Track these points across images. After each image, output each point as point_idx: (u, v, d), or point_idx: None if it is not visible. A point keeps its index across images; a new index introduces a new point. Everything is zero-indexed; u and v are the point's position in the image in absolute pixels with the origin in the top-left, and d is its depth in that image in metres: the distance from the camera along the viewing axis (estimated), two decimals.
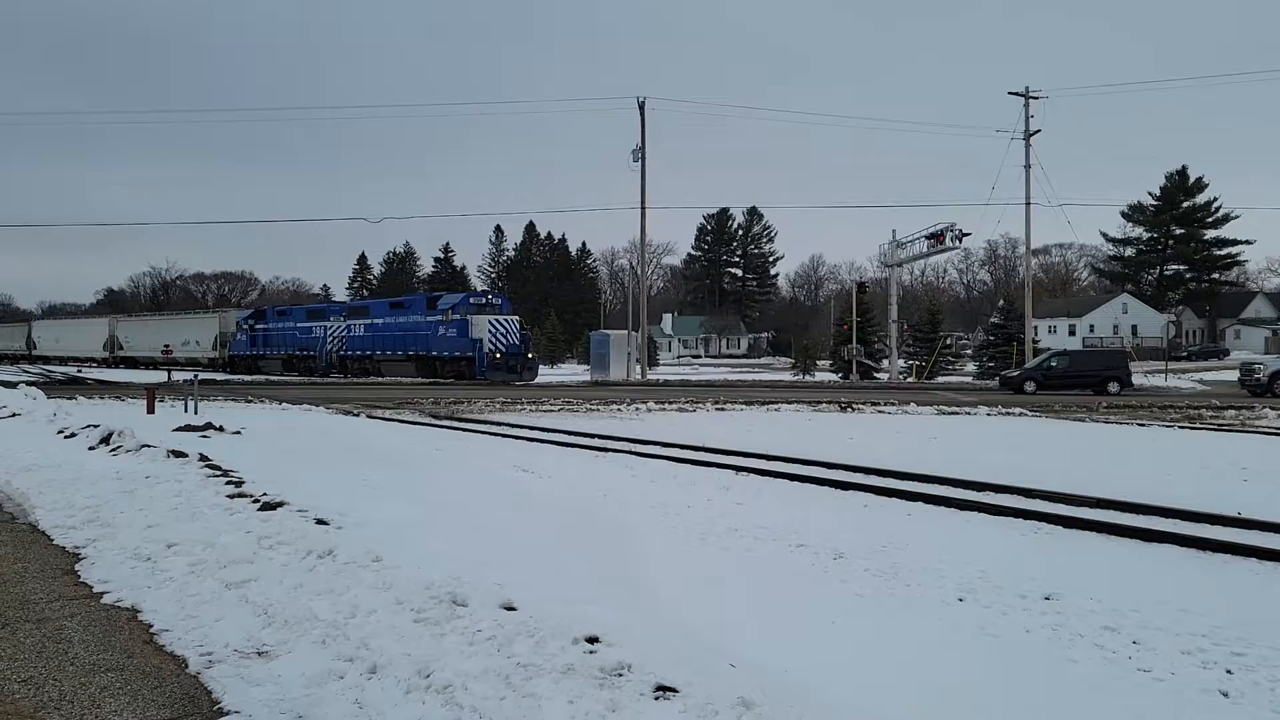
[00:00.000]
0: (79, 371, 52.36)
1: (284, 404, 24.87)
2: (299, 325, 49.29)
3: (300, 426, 18.24)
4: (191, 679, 4.69)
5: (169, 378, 38.68)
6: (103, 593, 6.21)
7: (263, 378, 46.99)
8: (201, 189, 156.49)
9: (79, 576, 6.63)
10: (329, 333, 46.26)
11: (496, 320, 38.66)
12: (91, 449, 12.81)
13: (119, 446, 12.60)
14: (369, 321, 44.36)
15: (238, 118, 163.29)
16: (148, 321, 67.37)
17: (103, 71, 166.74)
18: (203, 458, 11.08)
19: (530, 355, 40.61)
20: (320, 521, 7.46)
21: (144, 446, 12.23)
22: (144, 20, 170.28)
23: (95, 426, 14.06)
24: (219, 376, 47.10)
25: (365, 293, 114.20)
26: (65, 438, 14.16)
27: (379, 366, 42.73)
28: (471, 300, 40.77)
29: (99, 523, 8.28)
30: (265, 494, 8.65)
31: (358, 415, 22.07)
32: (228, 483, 9.46)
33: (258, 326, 52.17)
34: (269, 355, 50.66)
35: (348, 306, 48.63)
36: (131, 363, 61.87)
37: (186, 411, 19.51)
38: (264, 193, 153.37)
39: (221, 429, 15.35)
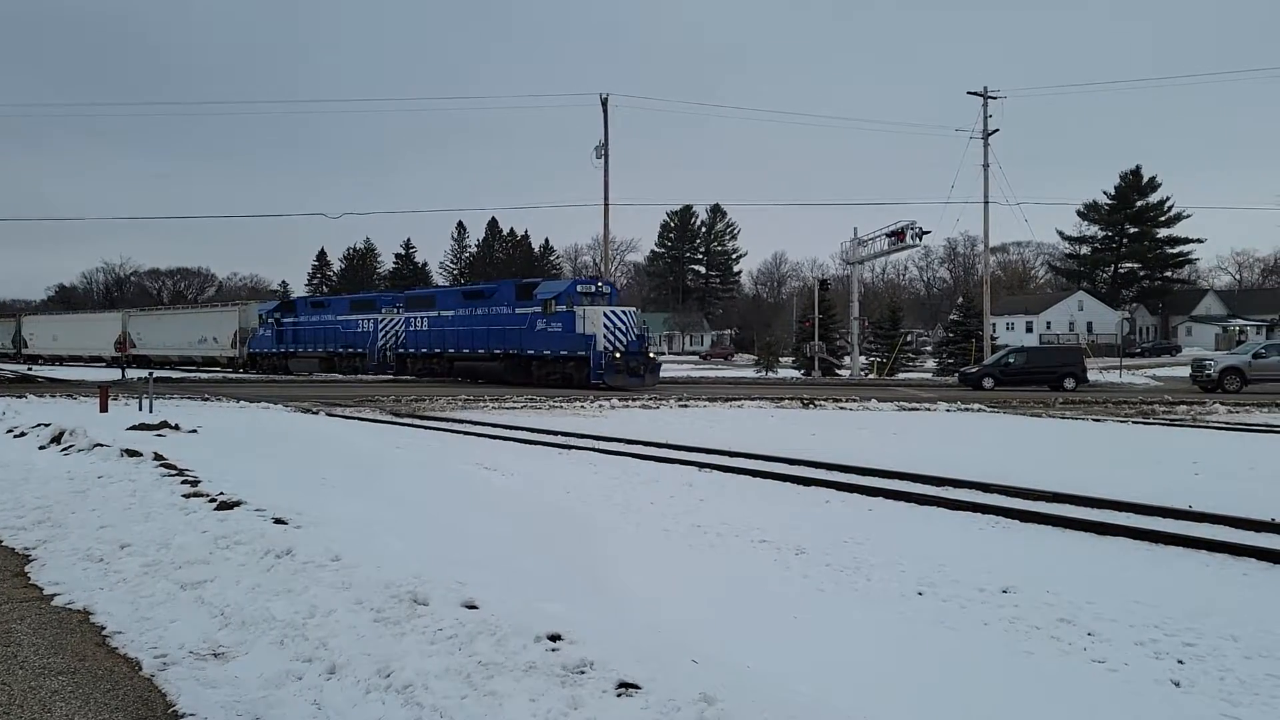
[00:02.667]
0: (30, 370, 48.20)
1: (242, 402, 24.53)
2: (341, 319, 43.43)
3: (258, 425, 17.99)
4: (145, 682, 4.61)
5: (122, 376, 37.61)
6: (54, 595, 6.08)
7: (284, 377, 42.29)
8: (155, 184, 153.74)
9: (29, 578, 6.48)
10: (381, 327, 40.72)
11: (613, 313, 32.35)
12: (42, 448, 12.55)
13: (71, 445, 12.35)
14: (435, 314, 38.39)
15: (192, 111, 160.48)
16: (161, 317, 60.65)
17: (49, 62, 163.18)
18: (157, 456, 10.89)
19: (651, 354, 34.53)
20: (278, 521, 7.36)
21: (97, 445, 12.00)
22: (89, 6, 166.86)
23: (46, 425, 13.78)
24: (248, 377, 42.85)
25: (325, 288, 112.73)
26: (15, 437, 13.87)
27: (452, 366, 37.23)
28: (579, 289, 33.73)
29: (50, 523, 8.11)
30: (222, 493, 8.52)
31: (317, 413, 21.82)
32: (183, 482, 9.30)
33: (285, 320, 46.43)
34: (301, 353, 45.05)
35: (406, 296, 42.69)
36: (144, 363, 53.38)
37: (141, 410, 19.16)
38: (220, 188, 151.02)
39: (177, 427, 15.10)
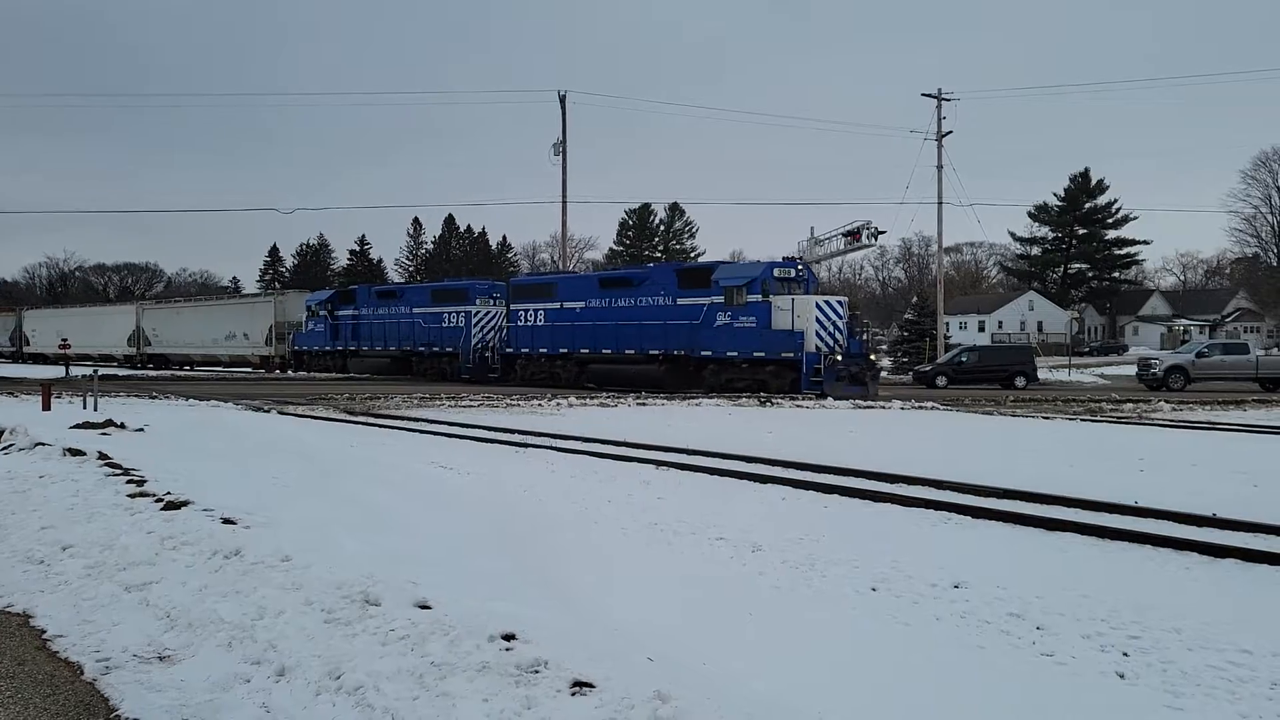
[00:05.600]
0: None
1: (191, 400, 24.08)
2: (419, 311, 37.26)
3: (208, 423, 17.67)
4: (87, 686, 4.51)
5: (66, 373, 36.45)
6: None
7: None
8: (99, 176, 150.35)
9: None
10: (477, 321, 34.95)
11: (826, 304, 26.47)
12: None
13: (10, 445, 12.05)
14: (555, 306, 32.28)
15: (138, 103, 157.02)
16: (180, 310, 53.49)
17: None
18: (102, 456, 10.66)
19: (872, 356, 28.52)
20: (227, 521, 7.24)
21: (38, 444, 11.72)
22: None
23: None
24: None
25: (278, 285, 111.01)
26: None
27: (584, 369, 31.24)
28: (776, 273, 27.12)
29: None
30: (169, 493, 8.36)
31: (268, 411, 21.49)
32: (129, 481, 9.12)
33: (342, 313, 40.52)
34: (365, 351, 39.14)
35: (512, 285, 36.26)
36: (162, 363, 50.66)
37: (86, 408, 18.73)
38: (167, 182, 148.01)
39: (123, 426, 14.78)
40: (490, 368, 34.26)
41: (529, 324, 33.15)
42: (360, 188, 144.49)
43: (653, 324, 28.96)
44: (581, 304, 31.64)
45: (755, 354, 26.45)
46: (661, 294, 29.29)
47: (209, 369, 46.36)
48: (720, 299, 27.34)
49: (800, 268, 28.26)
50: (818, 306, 25.90)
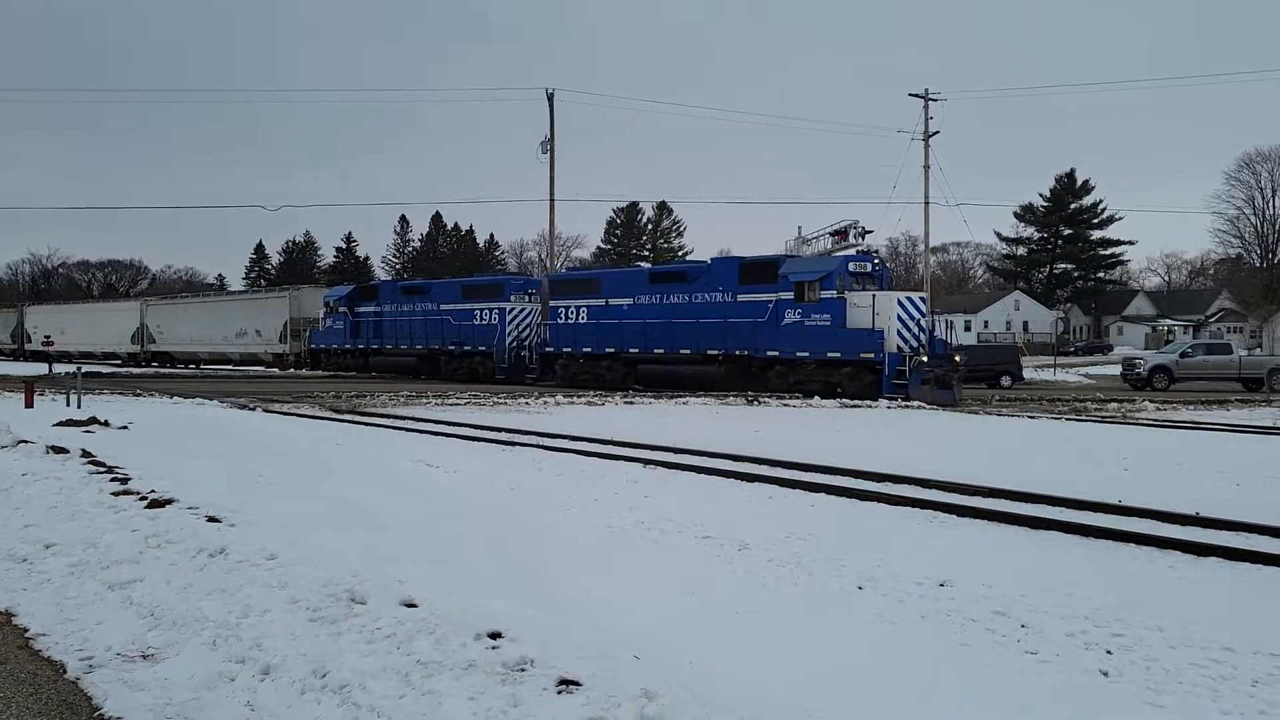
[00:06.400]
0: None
1: (175, 397, 23.95)
2: (449, 308, 35.21)
3: (193, 421, 17.58)
4: (70, 685, 4.48)
5: (49, 370, 36.09)
6: None
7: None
8: (82, 173, 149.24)
9: None
10: (512, 319, 33.31)
11: (909, 301, 24.60)
12: None
13: None
14: (599, 303, 30.56)
15: (123, 99, 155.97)
16: (187, 306, 51.58)
17: None
18: (85, 454, 10.60)
19: (957, 358, 25.68)
20: (212, 519, 7.21)
21: (21, 442, 11.64)
22: None
23: None
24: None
25: (263, 281, 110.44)
26: None
27: (632, 369, 29.53)
28: (851, 266, 25.41)
29: None
30: (153, 491, 8.31)
31: (254, 409, 21.40)
32: (112, 479, 9.06)
33: (363, 310, 38.64)
34: (389, 350, 37.29)
35: (550, 280, 34.69)
36: (167, 361, 49.08)
37: (69, 405, 18.61)
38: (152, 179, 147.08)
39: (107, 423, 14.70)
40: (528, 368, 32.82)
41: (570, 322, 31.41)
42: (346, 185, 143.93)
43: (711, 322, 27.24)
44: (629, 300, 29.99)
45: (829, 354, 24.67)
46: (720, 289, 27.42)
47: (218, 368, 45.09)
48: (789, 295, 25.51)
49: (876, 261, 26.71)
50: (899, 304, 24.16)
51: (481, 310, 34.23)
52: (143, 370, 42.29)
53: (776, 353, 25.89)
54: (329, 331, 39.84)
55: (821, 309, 24.85)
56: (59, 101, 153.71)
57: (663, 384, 28.05)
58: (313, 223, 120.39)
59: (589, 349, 30.51)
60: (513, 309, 33.36)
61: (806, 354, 25.22)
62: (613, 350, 29.85)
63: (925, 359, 23.64)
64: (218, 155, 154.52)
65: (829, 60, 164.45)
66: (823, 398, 24.23)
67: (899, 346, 23.68)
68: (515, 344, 33.17)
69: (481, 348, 33.85)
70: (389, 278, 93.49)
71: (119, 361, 50.19)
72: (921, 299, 25.28)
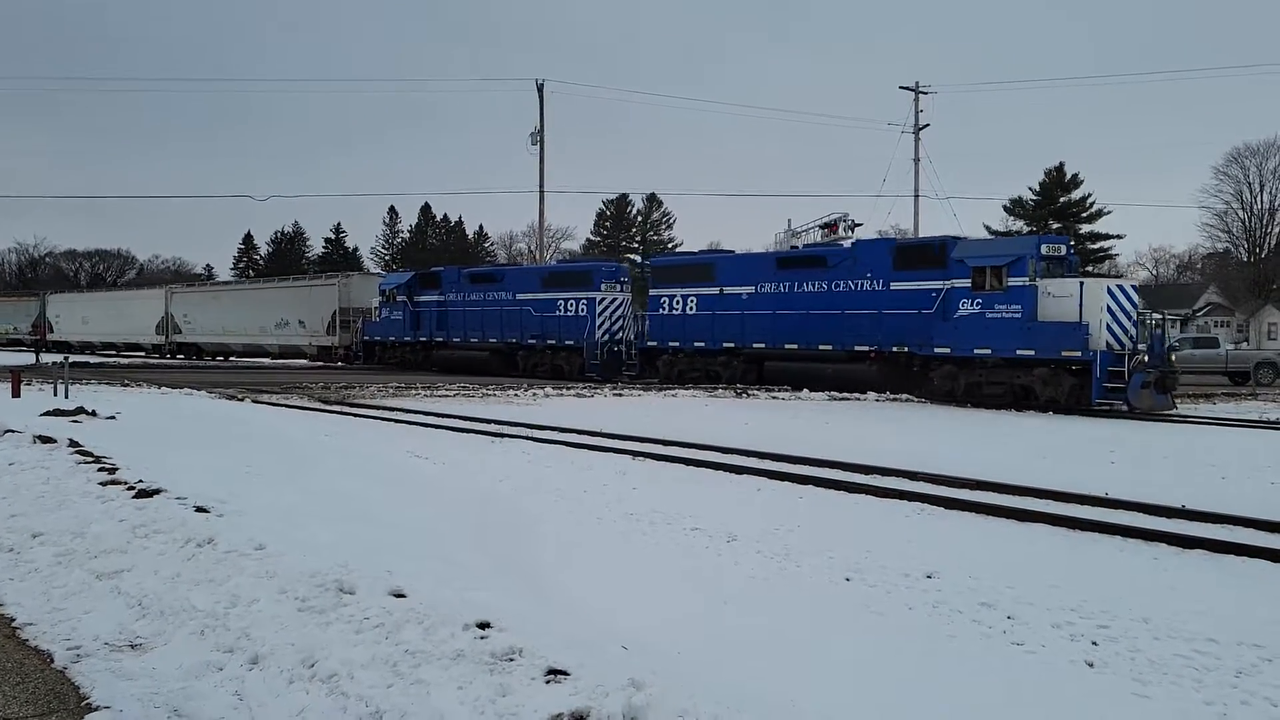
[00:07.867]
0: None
1: (164, 388, 23.84)
2: (525, 298, 31.98)
3: (181, 411, 17.51)
4: (57, 674, 4.47)
5: (37, 359, 35.56)
6: None
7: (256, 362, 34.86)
8: (69, 161, 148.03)
9: None
10: (604, 309, 29.93)
11: (1120, 290, 20.71)
12: None
13: None
14: (713, 292, 27.15)
15: (109, 87, 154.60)
16: (219, 295, 47.89)
17: None
18: (73, 443, 10.55)
19: (1173, 358, 22.32)
20: (200, 509, 7.19)
21: (7, 432, 11.59)
22: None
23: None
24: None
25: (251, 271, 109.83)
26: None
27: (759, 366, 26.16)
28: (1044, 250, 21.29)
29: None
30: (141, 481, 8.28)
31: (242, 400, 21.32)
32: (100, 469, 9.03)
33: (424, 299, 35.20)
34: (456, 343, 33.84)
35: (654, 265, 32.01)
36: (195, 353, 45.88)
37: (56, 395, 18.51)
38: (139, 168, 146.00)
39: (94, 413, 14.62)
40: (626, 363, 29.67)
41: (678, 312, 28.01)
42: (335, 176, 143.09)
43: (860, 313, 23.68)
44: (749, 289, 26.43)
45: (1019, 352, 20.76)
46: (869, 276, 23.79)
47: (253, 360, 41.73)
48: (964, 282, 21.74)
49: (1071, 243, 23.11)
50: (1109, 292, 20.26)
51: (566, 300, 30.84)
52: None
53: (947, 349, 22.05)
54: (386, 323, 36.38)
55: (1010, 299, 20.94)
56: (48, 90, 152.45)
57: (798, 382, 24.66)
58: (301, 213, 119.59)
59: (701, 343, 27.32)
60: (603, 299, 30.05)
61: (988, 351, 21.32)
62: (731, 345, 26.56)
63: (1146, 359, 20.16)
64: (206, 145, 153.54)
65: (818, 54, 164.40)
66: (1006, 406, 20.96)
67: (1108, 344, 19.84)
68: (606, 337, 29.97)
69: (568, 341, 30.51)
70: (385, 266, 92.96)
71: (143, 353, 47.73)
72: (1134, 287, 21.42)
